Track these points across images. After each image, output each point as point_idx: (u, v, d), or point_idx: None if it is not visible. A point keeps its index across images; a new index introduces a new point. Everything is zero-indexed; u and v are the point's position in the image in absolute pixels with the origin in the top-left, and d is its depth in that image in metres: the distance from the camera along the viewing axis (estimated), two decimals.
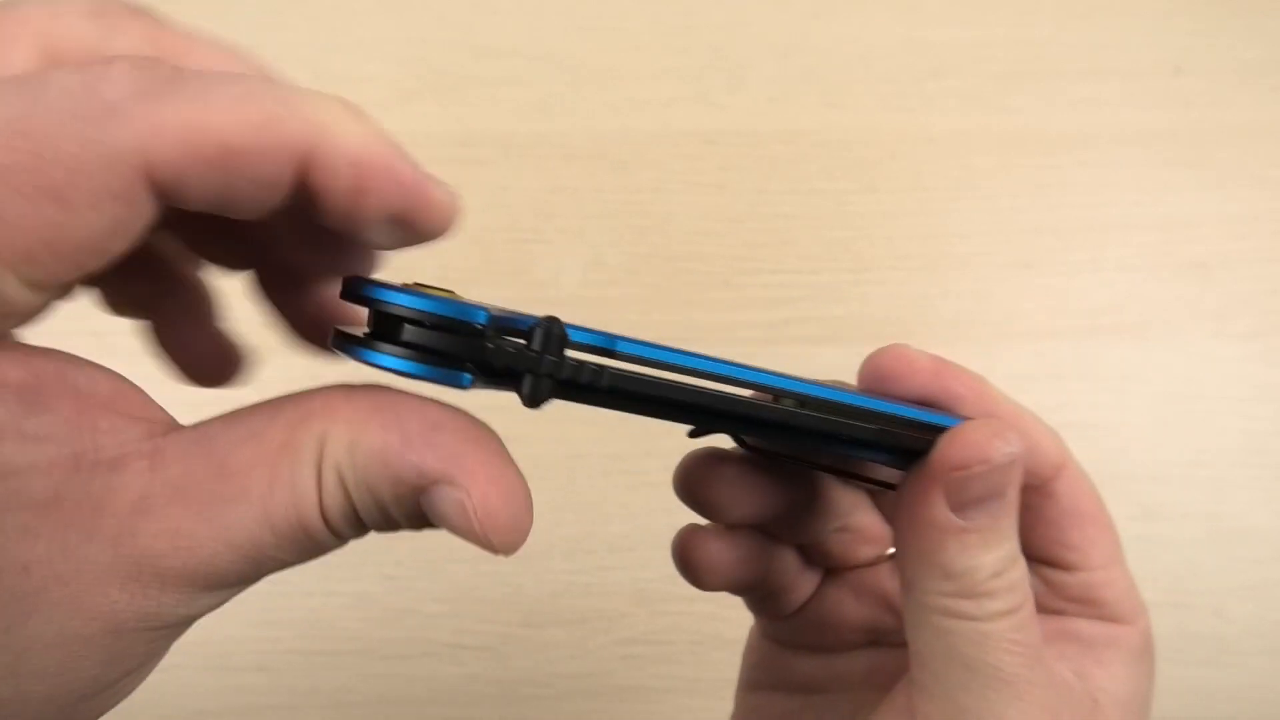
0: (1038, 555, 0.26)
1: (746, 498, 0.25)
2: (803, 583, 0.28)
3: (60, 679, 0.16)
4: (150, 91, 0.15)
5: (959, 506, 0.21)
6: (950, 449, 0.21)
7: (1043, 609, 0.25)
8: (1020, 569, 0.22)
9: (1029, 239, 0.52)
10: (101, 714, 0.18)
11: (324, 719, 0.44)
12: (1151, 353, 0.50)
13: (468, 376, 0.17)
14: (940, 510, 0.21)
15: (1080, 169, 0.53)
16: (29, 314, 0.17)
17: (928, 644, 0.22)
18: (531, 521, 0.18)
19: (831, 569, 0.28)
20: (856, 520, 0.27)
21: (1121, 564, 0.26)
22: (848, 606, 0.28)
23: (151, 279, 0.22)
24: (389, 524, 0.18)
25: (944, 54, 0.54)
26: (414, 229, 0.18)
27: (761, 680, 0.29)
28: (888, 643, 0.28)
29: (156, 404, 0.18)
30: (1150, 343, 0.50)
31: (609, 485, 0.46)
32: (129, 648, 0.17)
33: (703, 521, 0.26)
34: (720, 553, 0.26)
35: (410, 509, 0.17)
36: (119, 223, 0.15)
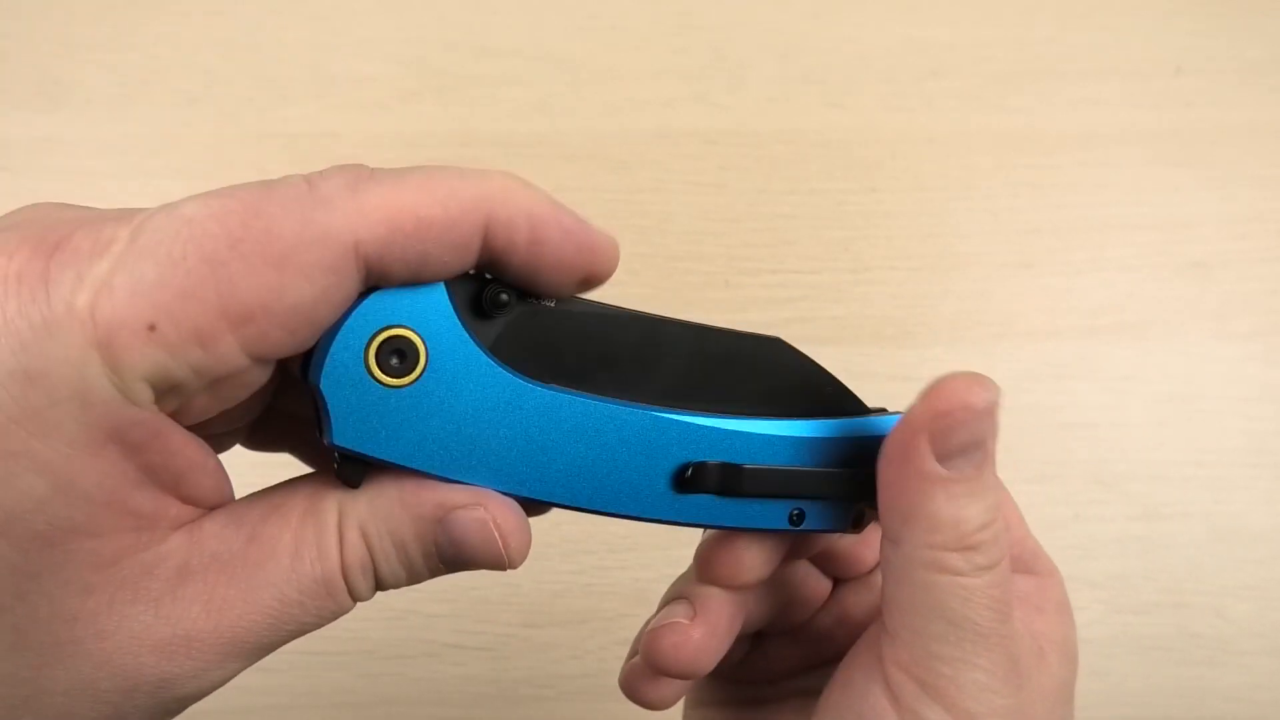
0: None
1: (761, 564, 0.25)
2: (742, 644, 0.29)
3: None
4: (356, 184, 0.18)
5: (944, 456, 0.22)
6: (934, 398, 0.22)
7: None
8: (1002, 523, 0.23)
9: (1029, 239, 0.52)
10: None
11: (324, 719, 0.44)
12: (1151, 353, 0.50)
13: None
14: (927, 460, 0.22)
15: (1080, 169, 0.53)
16: (238, 387, 0.19)
17: (910, 597, 0.22)
18: (530, 540, 0.21)
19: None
20: (798, 581, 0.28)
21: (1023, 522, 0.28)
22: (785, 652, 0.29)
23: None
24: (404, 572, 0.20)
25: (944, 54, 0.54)
26: (586, 272, 0.20)
27: (706, 698, 0.30)
28: (825, 665, 0.28)
29: (221, 480, 0.19)
30: (1150, 343, 0.50)
31: None
32: (131, 710, 0.18)
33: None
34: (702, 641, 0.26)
35: (427, 546, 0.19)
36: (328, 291, 0.18)
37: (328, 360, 0.19)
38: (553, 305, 0.21)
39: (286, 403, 0.22)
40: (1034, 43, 0.55)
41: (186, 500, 0.18)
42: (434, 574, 0.21)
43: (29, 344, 0.15)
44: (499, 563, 0.20)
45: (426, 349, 0.20)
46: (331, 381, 0.19)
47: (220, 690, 0.48)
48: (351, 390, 0.19)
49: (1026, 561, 0.27)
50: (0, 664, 0.17)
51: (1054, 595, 0.26)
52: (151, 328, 0.16)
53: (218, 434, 0.21)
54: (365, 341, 0.19)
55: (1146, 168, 0.53)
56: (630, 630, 0.42)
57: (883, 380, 0.49)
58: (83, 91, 0.52)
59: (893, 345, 0.50)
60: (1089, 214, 0.52)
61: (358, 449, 0.19)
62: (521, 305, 0.21)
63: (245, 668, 0.19)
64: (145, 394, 0.17)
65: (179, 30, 0.53)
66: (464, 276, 0.20)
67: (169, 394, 0.17)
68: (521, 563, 0.21)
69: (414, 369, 0.19)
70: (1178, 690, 0.46)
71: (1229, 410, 0.50)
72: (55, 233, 0.16)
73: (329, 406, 0.19)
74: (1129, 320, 0.51)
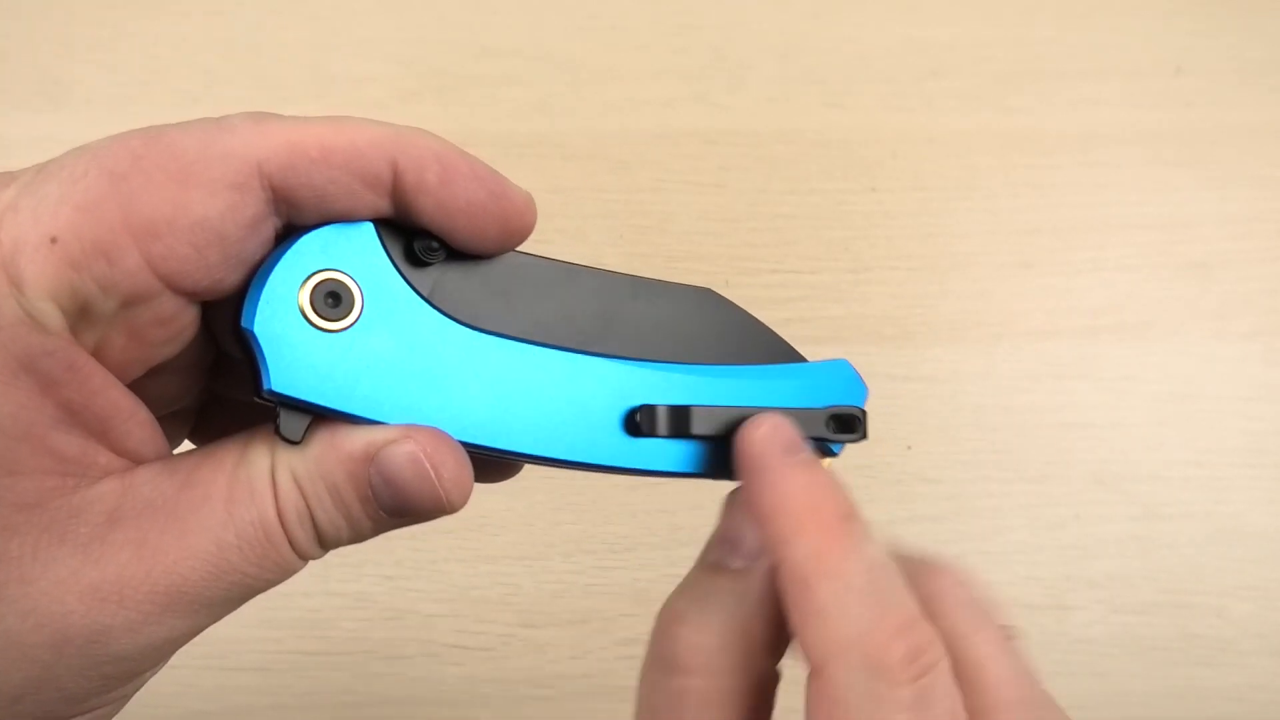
0: None
1: None
2: None
3: None
4: (261, 118, 0.18)
5: None
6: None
7: None
8: None
9: (1029, 239, 0.52)
10: None
11: (323, 719, 0.44)
12: (1151, 353, 0.50)
13: None
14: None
15: (1080, 169, 0.53)
16: (157, 324, 0.18)
17: None
18: (472, 479, 0.20)
19: None
20: None
21: None
22: None
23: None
24: (343, 521, 0.19)
25: (944, 54, 0.54)
26: (501, 222, 0.20)
27: None
28: None
29: (154, 433, 0.19)
30: (1150, 343, 0.50)
31: (608, 485, 0.46)
32: (65, 670, 0.17)
33: None
34: None
35: (362, 489, 0.19)
36: (233, 209, 0.17)
37: (261, 301, 0.18)
38: (486, 260, 0.21)
39: (229, 388, 0.22)
40: (1034, 43, 0.55)
41: (117, 450, 0.18)
42: (377, 525, 0.20)
43: None
44: (436, 499, 0.19)
45: (362, 293, 0.19)
46: (265, 324, 0.18)
47: (220, 690, 0.48)
48: (286, 334, 0.18)
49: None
50: None
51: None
52: (53, 240, 0.16)
53: (161, 418, 0.20)
54: (298, 283, 0.18)
55: (1146, 168, 0.53)
56: (630, 630, 0.43)
57: (883, 380, 0.49)
58: (83, 91, 0.52)
59: (893, 345, 0.50)
60: (1089, 214, 0.52)
61: (294, 395, 0.18)
62: (454, 256, 0.20)
63: (188, 627, 0.18)
64: (54, 317, 0.16)
65: (179, 30, 0.53)
66: (393, 227, 0.20)
67: (81, 321, 0.17)
68: (463, 503, 0.19)
69: (349, 313, 0.19)
70: (1178, 691, 0.46)
71: (1229, 410, 0.50)
72: None
73: (263, 351, 0.18)
74: (1129, 320, 0.51)
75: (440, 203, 0.19)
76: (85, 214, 0.16)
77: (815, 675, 0.18)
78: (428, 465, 0.19)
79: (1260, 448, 0.49)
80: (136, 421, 0.18)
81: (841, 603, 0.17)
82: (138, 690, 0.19)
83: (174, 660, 0.49)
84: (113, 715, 0.19)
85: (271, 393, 0.18)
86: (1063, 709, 0.21)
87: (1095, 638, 0.47)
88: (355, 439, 0.19)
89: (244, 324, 0.18)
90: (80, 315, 0.17)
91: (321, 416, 0.19)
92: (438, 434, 0.19)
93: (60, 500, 0.17)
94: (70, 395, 0.17)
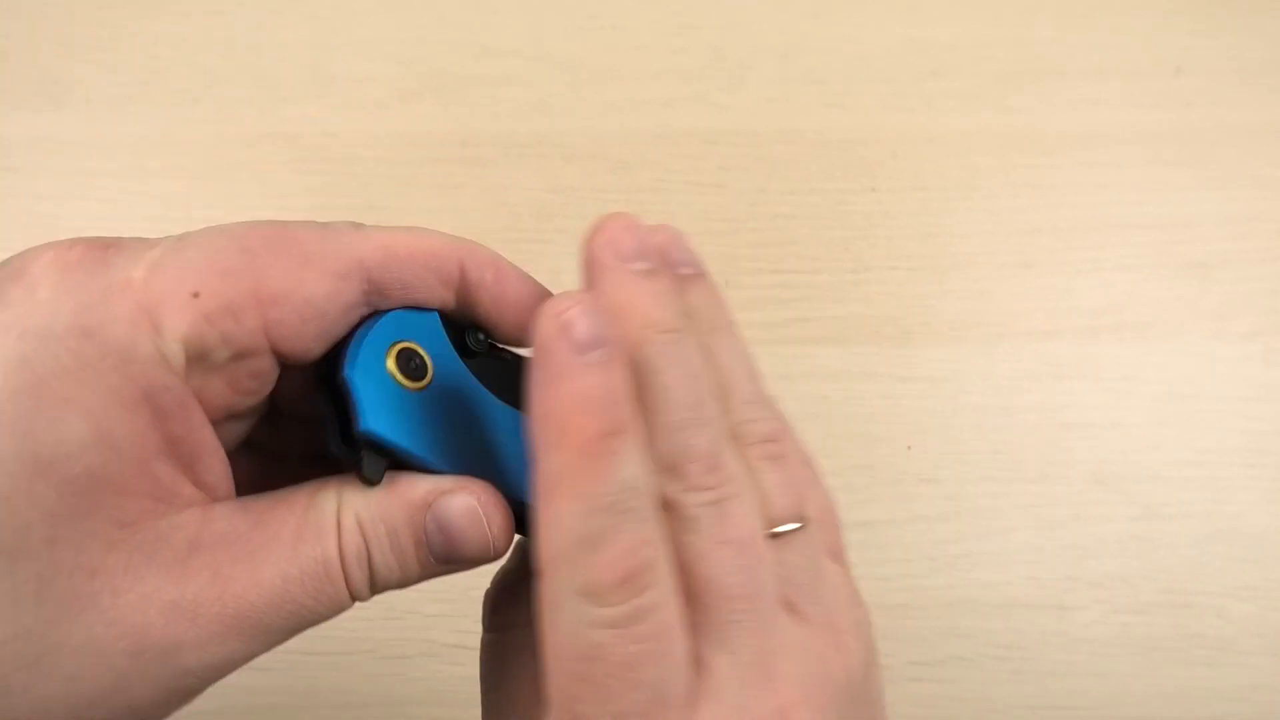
0: None
1: None
2: None
3: (68, 684, 0.18)
4: (360, 227, 0.22)
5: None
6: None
7: None
8: None
9: (1029, 239, 0.52)
10: None
11: (323, 719, 0.44)
12: (1152, 353, 0.50)
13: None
14: None
15: (1080, 169, 0.53)
16: (249, 378, 0.21)
17: None
18: (514, 531, 0.23)
19: None
20: None
21: None
22: None
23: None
24: (396, 564, 0.21)
25: (944, 54, 0.54)
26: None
27: None
28: None
29: (226, 474, 0.21)
30: (1150, 343, 0.50)
31: None
32: (138, 679, 0.18)
33: None
34: None
35: (418, 533, 0.21)
36: (338, 292, 0.21)
37: (359, 356, 0.21)
38: (519, 354, 0.24)
39: (276, 440, 0.25)
40: (1034, 43, 0.55)
41: (198, 483, 0.20)
42: (424, 570, 0.22)
43: (88, 306, 0.18)
44: (485, 545, 0.22)
45: (432, 363, 0.22)
46: (361, 375, 0.21)
47: (220, 690, 0.47)
48: (377, 386, 0.21)
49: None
50: (20, 617, 0.17)
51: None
52: (195, 294, 0.19)
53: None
54: (387, 347, 0.22)
55: (1146, 168, 0.53)
56: None
57: (883, 380, 0.49)
58: (83, 91, 0.52)
59: (893, 345, 0.50)
60: (1089, 214, 0.52)
61: (382, 434, 0.21)
62: (494, 352, 0.25)
63: (247, 650, 0.20)
64: (179, 359, 0.19)
65: (179, 30, 0.53)
66: (451, 321, 0.24)
67: (195, 366, 0.19)
68: (506, 551, 0.22)
69: (423, 378, 0.22)
70: (1178, 691, 0.46)
71: (1229, 410, 0.50)
72: (106, 239, 0.19)
73: (359, 395, 0.21)
74: (1129, 320, 0.51)
75: (495, 298, 0.23)
76: (224, 279, 0.19)
77: (539, 576, 0.19)
78: (481, 515, 0.21)
79: (1261, 448, 0.49)
80: (218, 459, 0.20)
81: (569, 524, 0.18)
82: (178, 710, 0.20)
83: None
84: None
85: (364, 432, 0.20)
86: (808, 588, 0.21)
87: (1095, 638, 0.47)
88: (417, 487, 0.21)
89: (344, 373, 0.21)
90: (197, 360, 0.19)
91: (397, 463, 0.21)
92: (488, 487, 0.22)
93: (151, 523, 0.19)
94: (174, 429, 0.19)
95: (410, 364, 0.22)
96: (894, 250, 0.51)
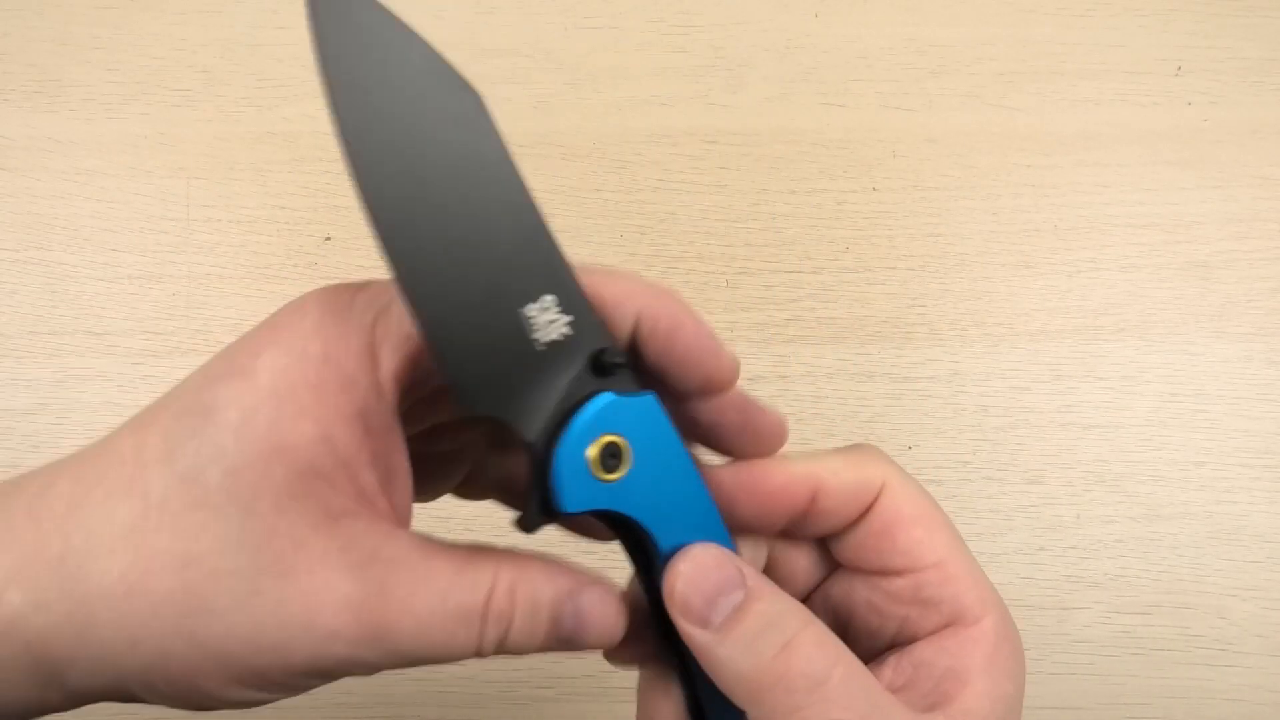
0: (869, 567, 0.26)
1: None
2: None
3: (254, 627, 0.21)
4: None
5: (705, 621, 0.23)
6: (668, 587, 0.24)
7: (885, 615, 0.26)
8: (808, 640, 0.23)
9: (1029, 239, 0.52)
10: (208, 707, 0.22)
11: (323, 719, 0.44)
12: (1152, 353, 0.50)
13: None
14: (697, 634, 0.24)
15: (1080, 169, 0.53)
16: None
17: None
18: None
19: None
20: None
21: (960, 559, 0.26)
22: None
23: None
24: (525, 637, 0.23)
25: (944, 54, 0.54)
26: (705, 372, 0.25)
27: None
28: None
29: (409, 499, 0.24)
30: (1151, 343, 0.50)
31: None
32: (297, 648, 0.21)
33: None
34: None
35: (554, 614, 0.23)
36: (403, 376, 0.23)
37: (567, 441, 0.23)
38: None
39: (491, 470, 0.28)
40: (1034, 42, 0.55)
41: (389, 501, 0.23)
42: (545, 646, 0.24)
43: (333, 339, 0.22)
44: (611, 635, 0.24)
45: (634, 454, 0.24)
46: (564, 460, 0.23)
47: None
48: (575, 476, 0.23)
49: (940, 603, 0.26)
50: (241, 559, 0.21)
51: (982, 650, 0.25)
52: (409, 338, 0.22)
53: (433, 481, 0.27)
54: (594, 438, 0.23)
55: (1147, 168, 0.53)
56: None
57: (883, 380, 0.49)
58: (82, 91, 0.52)
59: (893, 345, 0.50)
60: (1089, 214, 0.52)
61: (568, 513, 0.23)
62: None
63: (377, 663, 0.22)
64: (391, 391, 0.22)
65: (178, 29, 0.53)
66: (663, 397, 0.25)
67: (404, 399, 0.23)
68: (614, 645, 0.25)
69: (618, 470, 0.24)
70: (1179, 691, 0.46)
71: (1230, 410, 0.49)
72: (358, 284, 0.23)
73: (558, 480, 0.23)
74: (1129, 320, 0.51)
75: (664, 350, 0.24)
76: None
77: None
78: (615, 607, 0.24)
79: (1261, 448, 0.49)
80: (406, 483, 0.23)
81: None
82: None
83: None
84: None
85: (559, 511, 0.23)
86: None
87: (1096, 638, 0.47)
88: (567, 575, 0.24)
89: (552, 474, 0.23)
90: (404, 395, 0.23)
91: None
92: (613, 589, 0.24)
93: (349, 523, 0.22)
94: (379, 447, 0.22)
95: (609, 458, 0.23)
96: (894, 250, 0.51)
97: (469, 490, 0.29)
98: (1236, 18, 0.55)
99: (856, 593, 0.27)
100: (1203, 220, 0.52)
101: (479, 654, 0.23)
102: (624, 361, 0.24)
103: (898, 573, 0.26)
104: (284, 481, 0.21)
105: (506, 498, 0.29)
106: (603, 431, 0.23)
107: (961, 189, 0.52)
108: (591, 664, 0.45)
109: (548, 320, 0.23)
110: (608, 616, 0.24)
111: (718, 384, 0.25)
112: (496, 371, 0.22)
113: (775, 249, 0.51)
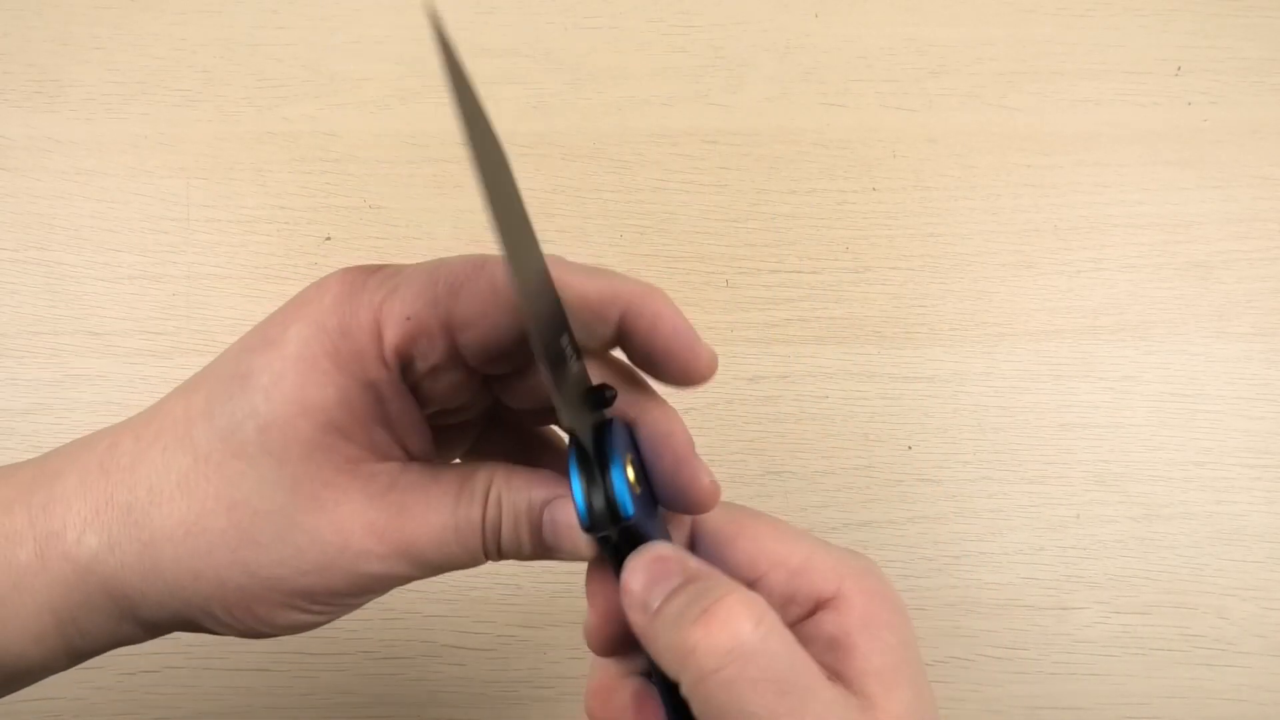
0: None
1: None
2: None
3: (296, 555, 0.24)
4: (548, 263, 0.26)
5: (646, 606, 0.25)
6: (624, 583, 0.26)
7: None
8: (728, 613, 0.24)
9: (1029, 239, 0.52)
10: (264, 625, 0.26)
11: (324, 719, 0.44)
12: (1152, 353, 0.50)
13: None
14: (637, 612, 0.25)
15: (1080, 169, 0.53)
16: (448, 386, 0.27)
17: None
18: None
19: None
20: None
21: (798, 549, 0.27)
22: None
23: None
24: (513, 541, 0.26)
25: (944, 54, 0.54)
26: (684, 366, 0.27)
27: None
28: None
29: (428, 445, 0.27)
30: (1151, 343, 0.50)
31: None
32: (335, 570, 0.25)
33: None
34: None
35: (535, 520, 0.26)
36: (514, 324, 0.25)
37: (616, 460, 0.25)
38: None
39: (493, 439, 0.31)
40: (1034, 42, 0.55)
41: (404, 448, 0.26)
42: (536, 553, 0.27)
43: (348, 315, 0.25)
44: (580, 550, 0.26)
45: (640, 468, 0.27)
46: (618, 477, 0.25)
47: (220, 691, 0.47)
48: (626, 486, 0.25)
49: (808, 599, 0.27)
50: (279, 499, 0.24)
51: (852, 614, 0.26)
52: (408, 319, 0.25)
53: (450, 427, 0.29)
54: (626, 456, 0.25)
55: (1147, 167, 0.53)
56: None
57: (883, 380, 0.49)
58: (82, 91, 0.52)
59: (893, 345, 0.50)
60: (1089, 214, 0.52)
61: (635, 521, 0.25)
62: None
63: (404, 573, 0.26)
64: (394, 360, 0.25)
65: (177, 29, 0.53)
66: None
67: (409, 369, 0.26)
68: (590, 552, 0.26)
69: (641, 481, 0.26)
70: (1179, 691, 0.46)
71: (1230, 410, 0.50)
72: (372, 267, 0.26)
73: (620, 495, 0.25)
74: (1129, 320, 0.51)
75: (645, 345, 0.26)
76: (428, 308, 0.25)
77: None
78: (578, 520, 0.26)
79: (1261, 448, 0.49)
80: (420, 433, 0.27)
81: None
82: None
83: (175, 661, 0.48)
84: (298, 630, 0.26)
85: (626, 518, 0.25)
86: None
87: (1095, 638, 0.47)
88: (542, 489, 0.26)
89: (612, 477, 0.25)
90: (407, 366, 0.26)
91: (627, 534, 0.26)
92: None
93: (366, 466, 0.25)
94: (390, 409, 0.26)
95: (638, 471, 0.26)
96: (894, 250, 0.51)
97: (481, 447, 0.32)
98: (1236, 18, 0.55)
99: None
100: (1203, 220, 0.52)
101: (489, 559, 0.27)
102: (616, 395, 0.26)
103: (751, 584, 0.27)
104: (310, 434, 0.24)
105: (512, 456, 0.31)
106: (628, 450, 0.26)
107: (961, 189, 0.52)
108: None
109: (570, 354, 0.25)
110: (574, 529, 0.26)
111: (695, 376, 0.27)
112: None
113: (775, 249, 0.51)
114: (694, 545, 0.28)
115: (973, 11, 0.55)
